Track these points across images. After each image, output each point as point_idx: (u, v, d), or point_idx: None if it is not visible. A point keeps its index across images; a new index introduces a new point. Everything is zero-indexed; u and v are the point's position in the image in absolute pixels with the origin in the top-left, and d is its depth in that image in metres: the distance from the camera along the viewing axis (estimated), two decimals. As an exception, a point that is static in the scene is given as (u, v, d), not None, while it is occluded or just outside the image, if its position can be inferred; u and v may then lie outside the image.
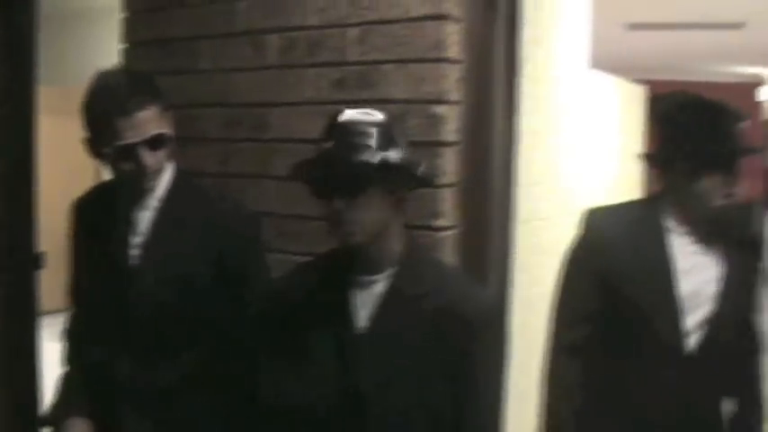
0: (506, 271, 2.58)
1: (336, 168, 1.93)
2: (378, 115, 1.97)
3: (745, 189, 2.41)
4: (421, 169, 1.98)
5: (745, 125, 2.38)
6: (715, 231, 2.41)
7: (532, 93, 4.55)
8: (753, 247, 2.50)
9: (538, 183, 4.54)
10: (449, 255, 2.42)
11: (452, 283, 2.08)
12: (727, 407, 2.46)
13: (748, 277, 2.45)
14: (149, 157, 2.24)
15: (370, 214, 1.94)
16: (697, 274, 2.35)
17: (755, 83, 15.02)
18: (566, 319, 2.40)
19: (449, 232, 2.44)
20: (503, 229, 2.58)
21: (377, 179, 1.92)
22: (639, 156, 2.45)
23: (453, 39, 2.45)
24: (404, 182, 1.97)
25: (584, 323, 2.38)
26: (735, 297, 2.37)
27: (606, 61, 8.64)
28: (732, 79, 15.24)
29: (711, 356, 2.33)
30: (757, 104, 15.32)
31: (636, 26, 9.29)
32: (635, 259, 2.34)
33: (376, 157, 1.91)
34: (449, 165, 2.43)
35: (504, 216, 2.58)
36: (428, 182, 2.04)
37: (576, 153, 5.67)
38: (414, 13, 2.49)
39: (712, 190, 2.31)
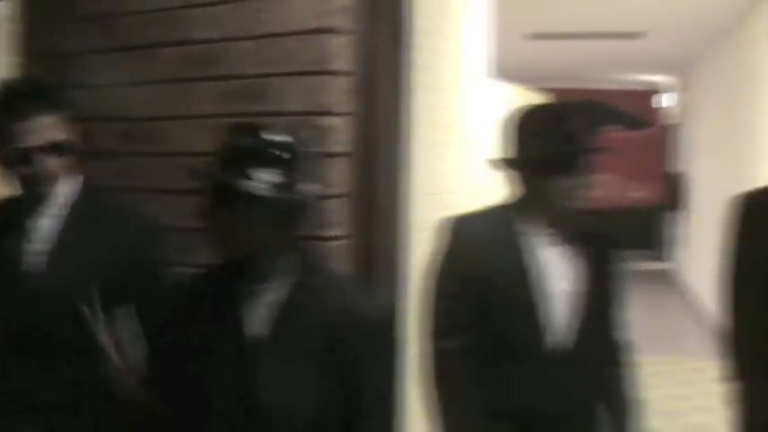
0: (397, 280, 2.62)
1: (220, 188, 1.98)
2: (274, 131, 2.01)
3: (600, 189, 2.48)
4: (306, 191, 2.01)
5: (595, 127, 2.46)
6: (572, 232, 2.47)
7: (436, 103, 4.63)
8: (611, 246, 2.58)
9: (443, 192, 4.62)
10: (339, 264, 2.46)
11: (346, 291, 2.12)
12: (597, 404, 2.54)
13: (608, 277, 2.53)
14: (46, 162, 2.26)
15: (252, 230, 1.98)
16: (556, 274, 2.42)
17: (653, 90, 15.44)
18: (443, 328, 2.43)
19: (339, 242, 2.48)
20: (393, 238, 2.62)
21: (255, 199, 1.95)
22: (494, 161, 2.49)
23: (341, 51, 2.50)
24: (286, 202, 2.01)
25: (461, 330, 2.42)
26: (595, 296, 2.45)
27: (509, 70, 8.79)
28: (631, 87, 15.63)
29: (576, 355, 2.40)
30: (655, 110, 15.76)
31: (538, 36, 9.47)
32: (498, 263, 2.40)
33: (256, 186, 1.93)
34: (337, 175, 2.47)
35: (393, 225, 2.62)
36: (311, 204, 2.07)
37: (480, 162, 5.76)
38: (303, 27, 2.53)
39: (565, 191, 2.37)
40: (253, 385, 2.01)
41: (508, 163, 2.46)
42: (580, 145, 2.39)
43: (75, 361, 2.30)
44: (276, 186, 1.95)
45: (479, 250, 2.42)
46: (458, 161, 5.03)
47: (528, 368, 2.38)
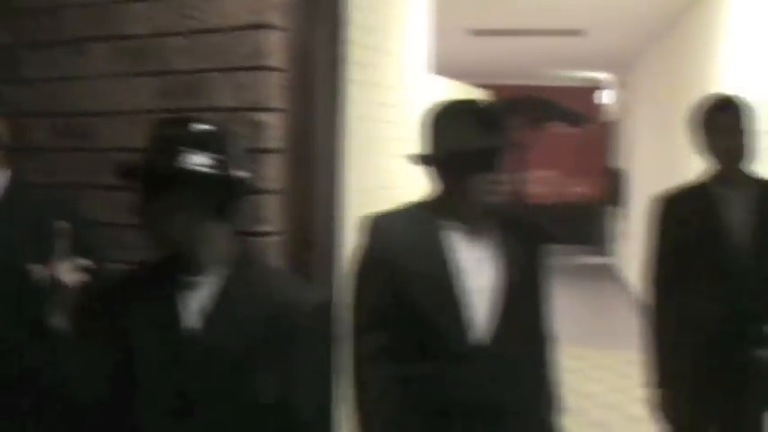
0: (332, 275, 2.62)
1: (154, 176, 1.98)
2: (203, 123, 2.04)
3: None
4: (241, 178, 2.03)
5: (509, 123, 2.48)
6: (492, 228, 2.48)
7: (376, 99, 4.64)
8: (534, 240, 2.60)
9: (384, 188, 4.63)
10: (274, 260, 2.46)
11: (281, 285, 2.14)
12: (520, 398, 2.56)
13: (532, 271, 2.55)
14: None
15: (187, 221, 2.01)
16: (478, 270, 2.42)
17: (595, 87, 15.64)
18: (363, 327, 2.42)
19: (273, 238, 2.47)
20: (329, 234, 2.62)
21: (193, 188, 1.99)
22: (412, 157, 2.49)
23: (276, 47, 2.49)
24: (223, 191, 2.03)
25: (381, 328, 2.41)
26: (518, 291, 2.45)
27: (450, 67, 8.85)
28: (573, 83, 15.80)
29: (500, 349, 2.41)
30: (597, 107, 15.96)
31: (479, 32, 9.52)
32: (418, 260, 2.40)
33: (192, 166, 1.96)
34: (272, 171, 2.47)
35: (329, 221, 2.62)
36: (246, 191, 2.09)
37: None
38: (237, 22, 2.52)
39: (484, 188, 2.38)
40: (186, 378, 2.02)
41: (426, 159, 2.47)
42: (498, 141, 2.40)
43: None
44: (208, 167, 1.98)
45: (399, 248, 2.41)
46: (399, 157, 5.04)
47: (450, 364, 2.39)
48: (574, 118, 15.24)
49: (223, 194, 2.04)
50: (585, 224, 16.15)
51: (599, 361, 7.73)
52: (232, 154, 2.04)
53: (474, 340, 2.39)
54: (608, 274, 13.73)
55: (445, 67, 7.49)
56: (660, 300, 3.37)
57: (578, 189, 16.70)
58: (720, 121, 3.24)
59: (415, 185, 5.39)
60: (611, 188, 14.51)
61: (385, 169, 4.61)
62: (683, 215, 3.32)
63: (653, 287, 3.40)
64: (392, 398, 2.42)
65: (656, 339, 3.36)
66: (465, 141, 2.37)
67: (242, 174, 2.04)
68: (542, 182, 16.64)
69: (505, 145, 2.42)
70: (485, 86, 9.89)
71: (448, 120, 2.43)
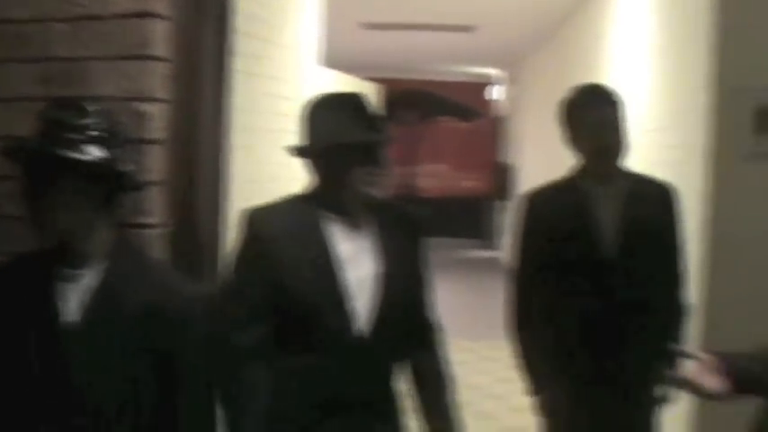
0: (216, 268, 2.60)
1: (40, 164, 1.94)
2: (91, 112, 2.00)
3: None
4: (128, 170, 2.01)
5: (383, 116, 2.52)
6: (372, 220, 2.51)
7: (268, 91, 4.62)
8: (415, 232, 2.63)
9: (274, 180, 4.61)
10: (158, 252, 2.42)
11: (162, 278, 2.13)
12: (403, 389, 2.60)
13: (413, 262, 2.59)
14: None
15: (73, 211, 1.97)
16: (358, 261, 2.44)
17: (485, 82, 15.88)
18: (241, 321, 2.40)
19: (157, 230, 2.44)
20: (212, 226, 2.60)
21: (81, 177, 1.96)
22: (290, 149, 2.50)
23: (160, 36, 2.45)
24: (110, 182, 2.00)
25: (259, 323, 2.40)
26: (399, 282, 2.49)
27: (341, 59, 8.86)
28: (464, 79, 16.01)
29: (382, 338, 2.44)
30: (487, 102, 16.21)
31: (371, 26, 9.55)
32: (299, 253, 2.40)
33: (81, 155, 1.94)
34: (156, 162, 2.43)
35: (213, 214, 2.60)
36: (133, 184, 2.06)
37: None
38: (121, 10, 2.47)
39: (362, 179, 2.40)
40: (66, 372, 1.99)
41: (306, 151, 2.47)
42: (378, 135, 2.43)
43: None
44: (99, 157, 1.95)
45: (279, 240, 2.41)
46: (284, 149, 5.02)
47: (333, 356, 2.40)
48: (463, 112, 15.46)
49: (110, 186, 2.02)
50: (474, 218, 16.39)
51: (486, 353, 7.86)
52: (121, 142, 2.02)
53: (356, 331, 2.41)
54: (496, 268, 13.96)
55: (337, 60, 7.50)
56: (522, 301, 3.27)
57: (467, 183, 16.93)
58: (590, 114, 3.09)
59: (296, 177, 5.39)
60: (500, 183, 14.76)
61: (275, 162, 4.58)
62: (550, 213, 3.17)
63: (516, 287, 3.30)
64: (271, 391, 2.41)
65: (521, 343, 3.27)
66: (344, 134, 2.38)
67: (130, 166, 2.01)
68: (431, 176, 16.83)
69: (385, 138, 2.45)
70: (376, 80, 9.93)
71: (327, 112, 2.44)
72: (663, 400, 3.18)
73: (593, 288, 3.08)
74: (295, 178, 5.23)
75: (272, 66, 4.73)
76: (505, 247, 14.43)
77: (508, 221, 14.12)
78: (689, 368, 2.15)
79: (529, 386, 3.25)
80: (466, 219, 16.25)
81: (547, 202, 3.23)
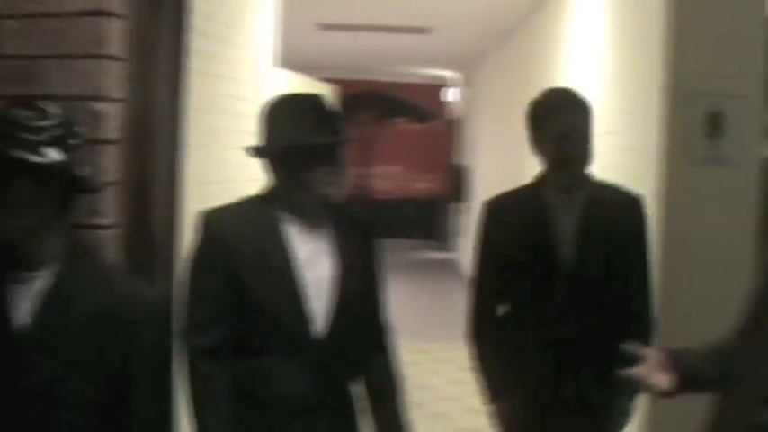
0: (171, 270, 2.58)
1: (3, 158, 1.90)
2: (48, 113, 1.96)
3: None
4: (85, 173, 1.98)
5: (342, 117, 2.51)
6: (329, 221, 2.51)
7: (223, 91, 4.58)
8: (371, 234, 2.64)
9: (228, 180, 4.58)
10: (112, 254, 2.39)
11: (115, 282, 2.10)
12: (358, 390, 2.60)
13: (368, 264, 2.60)
14: None
15: (28, 214, 1.94)
16: (316, 262, 2.45)
17: (441, 84, 15.93)
18: (199, 323, 2.40)
19: (111, 231, 2.41)
20: (168, 227, 2.57)
21: (37, 180, 1.92)
22: (249, 149, 2.49)
23: (116, 35, 2.42)
24: (66, 185, 1.97)
25: (218, 324, 2.39)
26: (355, 283, 2.50)
27: (298, 60, 8.84)
28: (420, 80, 16.05)
29: (339, 340, 2.45)
30: (443, 104, 16.26)
31: (326, 27, 9.54)
32: (256, 254, 2.40)
33: (38, 158, 1.89)
34: (111, 163, 2.40)
35: (168, 214, 2.57)
36: (90, 186, 2.03)
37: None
38: (76, 8, 2.43)
39: (320, 181, 2.40)
40: (19, 376, 1.95)
41: (265, 152, 2.46)
42: (337, 136, 2.43)
43: None
44: (56, 160, 1.91)
45: (236, 242, 2.41)
46: (241, 150, 4.99)
47: (292, 357, 2.40)
48: (418, 114, 15.51)
49: (67, 189, 1.98)
50: (429, 220, 16.44)
51: (439, 354, 7.88)
52: (78, 144, 1.98)
53: (314, 332, 2.41)
54: (450, 269, 14.01)
55: (292, 61, 7.47)
56: (481, 309, 3.20)
57: (421, 185, 16.97)
58: (559, 122, 2.98)
59: (251, 177, 5.36)
60: (455, 184, 14.82)
61: (230, 162, 4.55)
62: (510, 221, 3.08)
63: (475, 295, 3.23)
64: (230, 393, 2.39)
65: (479, 352, 3.18)
66: (305, 135, 2.38)
67: (87, 169, 1.98)
68: (386, 177, 16.84)
69: (344, 140, 2.45)
70: (332, 81, 9.91)
71: (287, 113, 2.44)
72: (624, 414, 3.11)
73: (551, 299, 2.99)
74: (252, 179, 5.22)
75: (229, 66, 4.70)
76: (460, 249, 14.49)
77: (463, 223, 14.18)
78: (639, 367, 2.18)
79: (485, 395, 3.18)
80: (421, 220, 16.30)
81: (507, 209, 3.15)
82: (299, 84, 7.32)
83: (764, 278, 2.20)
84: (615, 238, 3.03)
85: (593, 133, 3.05)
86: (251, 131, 5.16)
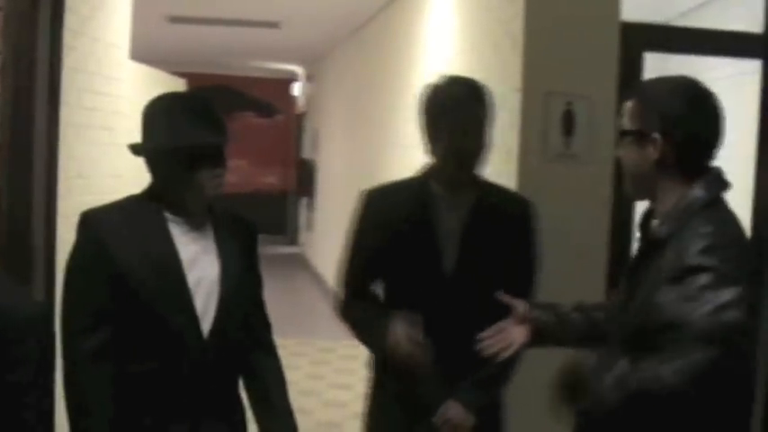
0: (49, 273, 2.51)
1: None
2: None
3: (231, 174, 2.52)
4: None
5: (228, 113, 2.51)
6: (214, 219, 2.52)
7: (78, 85, 4.46)
8: (251, 232, 2.66)
9: (81, 176, 4.45)
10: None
11: None
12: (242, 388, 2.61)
13: (250, 261, 2.62)
14: None
15: None
16: (200, 262, 2.45)
17: (290, 79, 15.90)
18: (82, 326, 2.35)
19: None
20: (48, 225, 2.51)
21: None
22: (135, 147, 2.45)
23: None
24: None
25: (102, 327, 2.35)
26: (239, 281, 2.51)
27: (147, 53, 8.66)
28: (269, 75, 15.98)
29: (225, 339, 2.46)
30: (291, 99, 16.24)
31: (176, 19, 9.40)
32: (141, 254, 2.37)
33: None
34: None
35: (48, 215, 2.51)
36: None
37: (120, 146, 5.62)
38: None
39: (205, 180, 2.41)
40: None
41: (147, 150, 2.44)
42: (223, 136, 2.43)
43: None
44: None
45: (120, 243, 2.36)
46: (98, 144, 4.88)
47: (179, 358, 2.39)
48: (262, 108, 15.42)
49: None
50: (275, 214, 16.39)
51: (294, 349, 7.90)
52: None
53: (202, 332, 2.40)
54: (298, 264, 14.04)
55: (142, 54, 7.31)
56: (350, 305, 2.97)
57: (268, 179, 16.90)
58: (455, 115, 2.76)
59: (117, 174, 5.25)
60: (301, 179, 14.84)
61: (84, 157, 4.43)
62: (390, 216, 2.86)
63: (344, 292, 2.99)
64: (113, 397, 2.35)
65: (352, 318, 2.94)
66: (192, 136, 2.36)
67: None
68: (232, 171, 16.64)
69: (228, 139, 2.45)
70: (182, 74, 9.75)
71: (172, 113, 2.41)
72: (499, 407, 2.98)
73: (430, 302, 2.77)
74: (111, 175, 5.10)
75: (86, 59, 4.57)
76: (307, 244, 14.53)
77: (310, 218, 14.22)
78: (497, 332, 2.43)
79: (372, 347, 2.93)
80: (268, 215, 16.21)
81: (389, 201, 2.92)
82: (151, 77, 7.18)
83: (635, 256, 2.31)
84: (501, 242, 2.87)
85: (491, 127, 2.88)
86: (108, 126, 5.07)
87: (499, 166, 4.16)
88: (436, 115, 2.79)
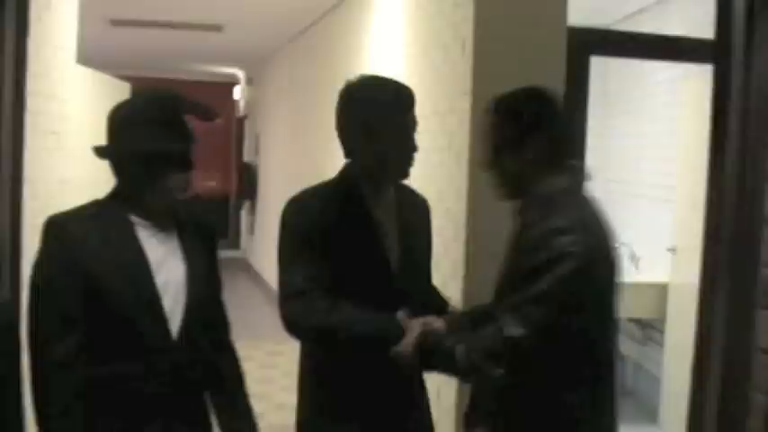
0: (18, 276, 2.50)
1: None
2: None
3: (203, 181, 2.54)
4: None
5: (189, 119, 2.53)
6: (178, 222, 2.55)
7: (29, 88, 4.42)
8: (212, 234, 2.70)
9: (29, 181, 4.41)
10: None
11: None
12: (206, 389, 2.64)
13: (212, 263, 2.66)
14: None
15: None
16: (167, 264, 2.47)
17: (232, 82, 15.83)
18: (52, 332, 2.34)
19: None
20: (14, 231, 2.51)
21: None
22: (99, 151, 2.45)
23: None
24: None
25: (72, 333, 2.34)
26: (204, 283, 2.55)
27: (91, 56, 8.58)
28: (211, 78, 15.89)
29: (192, 341, 2.49)
30: (233, 102, 16.16)
31: (118, 22, 9.33)
32: (110, 258, 2.38)
33: None
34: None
35: (13, 220, 2.50)
36: None
37: (66, 150, 5.59)
38: None
39: (172, 184, 2.44)
40: None
41: (116, 156, 2.45)
42: (188, 140, 2.46)
43: None
44: None
45: (88, 247, 2.36)
46: (44, 149, 4.84)
47: (148, 361, 2.40)
48: (202, 112, 15.28)
49: None
50: (217, 218, 16.30)
51: (242, 353, 7.85)
52: None
53: (170, 335, 2.42)
54: (241, 268, 13.98)
55: (86, 57, 7.24)
56: (314, 311, 2.67)
57: (209, 183, 16.80)
58: (392, 117, 2.69)
59: (64, 180, 5.21)
60: (243, 182, 14.77)
61: (30, 162, 4.38)
62: (327, 220, 2.70)
63: (295, 301, 2.69)
64: (83, 402, 2.36)
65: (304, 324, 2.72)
66: (164, 141, 2.38)
67: None
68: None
69: (194, 144, 2.48)
70: (125, 77, 9.65)
71: (140, 118, 2.42)
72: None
73: (379, 300, 2.67)
74: (58, 180, 5.06)
75: (30, 61, 4.53)
76: (249, 247, 14.48)
77: (251, 221, 14.18)
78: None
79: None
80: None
81: (321, 207, 2.75)
82: (97, 81, 7.13)
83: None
84: (422, 237, 2.96)
85: (414, 128, 2.78)
86: (54, 131, 5.02)
87: (450, 168, 4.23)
88: (367, 118, 2.68)
